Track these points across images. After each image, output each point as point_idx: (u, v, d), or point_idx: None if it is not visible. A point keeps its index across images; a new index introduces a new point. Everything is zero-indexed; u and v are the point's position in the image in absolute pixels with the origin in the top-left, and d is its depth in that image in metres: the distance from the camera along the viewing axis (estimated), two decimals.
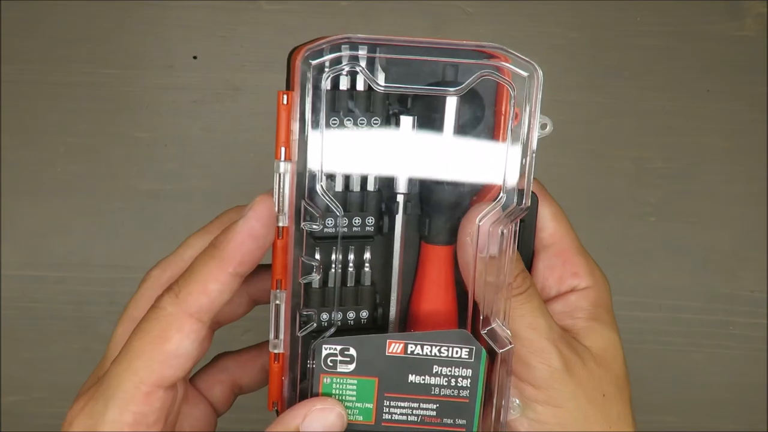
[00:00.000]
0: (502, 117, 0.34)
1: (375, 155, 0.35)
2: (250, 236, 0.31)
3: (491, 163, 0.34)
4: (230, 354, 0.39)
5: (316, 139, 0.32)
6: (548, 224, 0.37)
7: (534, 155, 0.34)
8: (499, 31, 0.68)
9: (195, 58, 0.68)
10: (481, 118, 0.36)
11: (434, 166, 0.35)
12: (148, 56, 0.67)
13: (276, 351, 0.34)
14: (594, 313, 0.37)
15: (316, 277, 0.34)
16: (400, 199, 0.35)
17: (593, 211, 0.69)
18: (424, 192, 0.36)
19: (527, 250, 0.37)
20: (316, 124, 0.32)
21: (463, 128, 0.35)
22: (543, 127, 0.35)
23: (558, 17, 0.68)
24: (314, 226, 0.33)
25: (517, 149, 0.34)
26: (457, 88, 0.33)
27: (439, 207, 0.35)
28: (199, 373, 0.39)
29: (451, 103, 0.33)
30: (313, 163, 0.33)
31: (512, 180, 0.34)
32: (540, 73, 0.33)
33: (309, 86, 0.32)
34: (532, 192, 0.36)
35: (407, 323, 0.38)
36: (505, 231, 0.33)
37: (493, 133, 0.35)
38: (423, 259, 0.36)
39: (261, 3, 0.67)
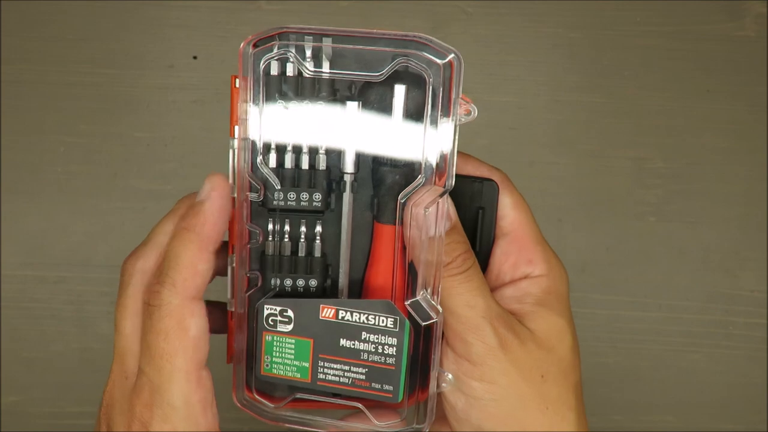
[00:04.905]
0: (428, 103, 0.37)
1: (318, 137, 0.37)
2: (220, 215, 0.35)
3: (419, 146, 0.37)
4: None
5: (255, 119, 0.36)
6: (509, 212, 0.39)
7: (454, 139, 0.36)
8: (499, 31, 0.68)
9: (195, 58, 0.68)
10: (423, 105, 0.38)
11: (373, 148, 0.38)
12: (148, 56, 0.67)
13: (231, 309, 0.38)
14: (542, 299, 0.38)
15: (256, 244, 0.38)
16: (347, 178, 0.38)
17: (593, 211, 0.69)
18: (374, 172, 0.38)
19: (487, 238, 0.39)
20: (257, 106, 0.36)
21: (410, 115, 0.37)
22: (467, 113, 0.37)
23: (558, 17, 0.68)
24: (255, 197, 0.37)
25: (437, 133, 0.36)
26: (379, 73, 0.36)
27: (386, 187, 0.37)
28: None
29: (399, 91, 0.36)
30: (255, 140, 0.36)
31: (431, 161, 0.36)
32: (459, 60, 0.35)
33: (250, 71, 0.35)
34: (493, 180, 0.39)
35: (362, 296, 0.39)
36: (427, 211, 0.35)
37: (436, 118, 0.37)
38: (375, 238, 0.38)
39: (261, 3, 0.68)
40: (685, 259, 0.70)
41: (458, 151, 0.38)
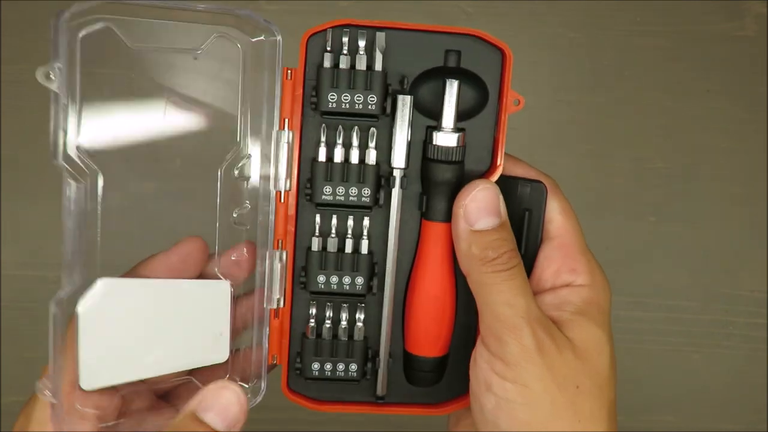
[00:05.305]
0: (501, 98, 0.37)
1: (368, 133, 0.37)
2: (168, 268, 0.37)
3: (466, 138, 0.37)
4: None
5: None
6: (556, 217, 0.38)
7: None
8: (499, 31, 0.68)
9: (195, 58, 0.68)
10: (483, 103, 0.37)
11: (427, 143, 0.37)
12: None
13: (273, 306, 0.38)
14: (583, 309, 0.36)
15: (302, 239, 0.38)
16: (396, 173, 0.37)
17: (593, 211, 0.69)
18: (423, 168, 0.37)
19: (533, 241, 0.38)
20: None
21: (463, 112, 0.37)
22: (516, 103, 0.37)
23: (558, 17, 0.68)
24: (304, 191, 0.37)
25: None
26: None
27: (435, 183, 0.36)
28: None
29: (452, 85, 0.35)
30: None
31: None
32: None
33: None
34: (540, 182, 0.38)
35: (406, 297, 0.39)
36: (470, 203, 0.36)
37: (495, 116, 0.37)
38: (422, 235, 0.38)
39: (261, 3, 0.68)
40: (685, 259, 0.70)
41: (509, 155, 0.38)
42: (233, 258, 0.38)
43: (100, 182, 0.35)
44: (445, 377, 0.40)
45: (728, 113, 0.69)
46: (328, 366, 0.38)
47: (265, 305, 0.38)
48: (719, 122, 0.69)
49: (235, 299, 0.38)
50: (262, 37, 0.35)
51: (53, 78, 0.31)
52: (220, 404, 0.33)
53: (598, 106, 0.69)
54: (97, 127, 0.34)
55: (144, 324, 0.35)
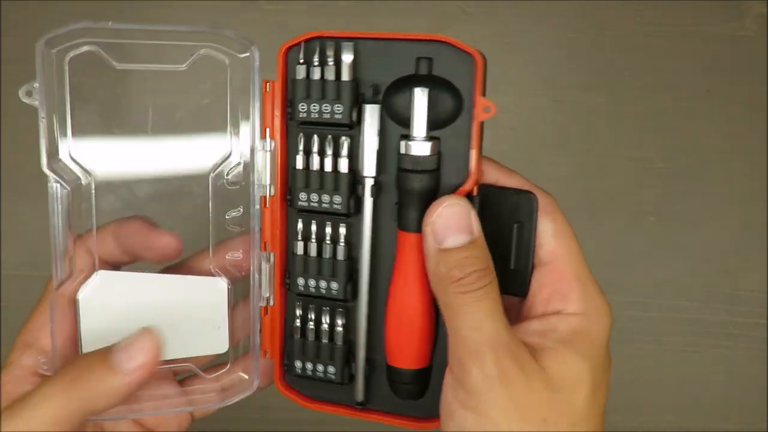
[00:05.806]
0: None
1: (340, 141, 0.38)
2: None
3: (437, 148, 0.37)
4: None
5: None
6: (548, 240, 0.35)
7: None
8: (499, 31, 0.68)
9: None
10: (458, 110, 0.36)
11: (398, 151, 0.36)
12: None
13: (262, 304, 0.40)
14: (567, 338, 0.34)
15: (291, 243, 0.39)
16: (366, 182, 0.37)
17: (593, 211, 0.69)
18: (397, 179, 0.37)
19: (525, 255, 0.36)
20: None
21: (438, 120, 0.36)
22: (486, 110, 0.36)
23: (558, 17, 0.68)
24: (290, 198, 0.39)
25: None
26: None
27: (409, 194, 0.36)
28: None
29: (420, 94, 0.35)
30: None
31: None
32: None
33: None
34: (531, 193, 0.36)
35: (385, 306, 0.38)
36: (437, 220, 0.35)
37: (470, 124, 0.36)
38: (398, 245, 0.38)
39: (261, 3, 0.68)
40: (685, 259, 0.70)
41: (504, 167, 0.38)
42: (228, 257, 0.40)
43: (88, 185, 0.38)
44: (434, 392, 0.38)
45: (728, 113, 0.69)
46: (309, 366, 0.40)
47: (255, 303, 0.40)
48: (719, 122, 0.69)
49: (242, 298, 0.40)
50: (247, 54, 0.37)
51: (33, 96, 0.37)
52: (127, 344, 0.34)
53: (598, 106, 0.69)
54: (89, 139, 0.38)
55: (141, 313, 0.38)
